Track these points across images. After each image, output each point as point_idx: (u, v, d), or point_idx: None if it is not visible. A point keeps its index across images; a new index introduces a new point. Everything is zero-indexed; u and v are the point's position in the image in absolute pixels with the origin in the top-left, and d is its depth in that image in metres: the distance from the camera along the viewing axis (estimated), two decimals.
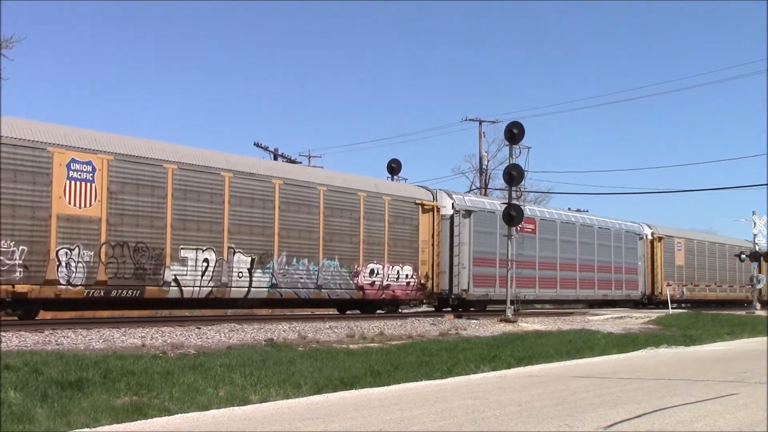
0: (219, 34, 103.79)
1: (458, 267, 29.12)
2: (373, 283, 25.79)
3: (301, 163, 46.05)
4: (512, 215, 24.67)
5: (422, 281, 27.59)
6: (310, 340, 15.73)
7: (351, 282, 25.00)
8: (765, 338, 20.63)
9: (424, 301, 29.20)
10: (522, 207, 26.62)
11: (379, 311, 26.82)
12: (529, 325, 22.91)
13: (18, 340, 13.35)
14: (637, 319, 27.95)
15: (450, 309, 30.30)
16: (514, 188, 25.93)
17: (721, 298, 48.79)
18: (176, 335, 15.24)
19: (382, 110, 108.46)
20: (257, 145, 47.68)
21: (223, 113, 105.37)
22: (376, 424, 7.38)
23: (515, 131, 25.35)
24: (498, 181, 50.03)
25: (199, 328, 16.54)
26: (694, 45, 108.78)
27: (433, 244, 28.08)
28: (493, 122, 50.77)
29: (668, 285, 40.94)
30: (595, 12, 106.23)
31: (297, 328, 17.86)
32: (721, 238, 52.93)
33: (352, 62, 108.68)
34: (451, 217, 29.16)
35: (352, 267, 25.03)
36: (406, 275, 27.06)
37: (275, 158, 46.26)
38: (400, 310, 28.30)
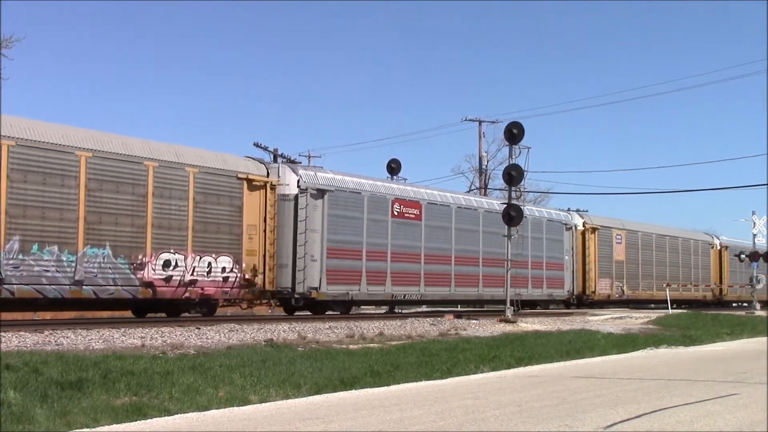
0: (219, 34, 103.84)
1: (305, 259, 23.59)
2: (169, 279, 20.24)
3: (300, 163, 45.93)
4: (512, 215, 24.67)
5: (248, 276, 22.23)
6: (310, 341, 15.73)
7: (133, 276, 19.47)
8: (765, 338, 20.64)
9: (256, 301, 23.80)
10: (395, 185, 23.83)
11: (186, 314, 21.64)
12: (528, 325, 22.92)
13: (18, 340, 13.35)
14: (636, 320, 27.98)
15: (294, 311, 25.58)
16: (513, 188, 25.93)
17: (675, 297, 42.10)
18: (176, 335, 15.25)
19: (382, 110, 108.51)
20: (257, 145, 47.53)
21: (223, 113, 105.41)
22: (375, 424, 7.38)
23: (515, 131, 25.35)
24: (498, 181, 49.99)
25: (199, 329, 16.54)
26: (694, 45, 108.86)
27: (265, 230, 22.72)
28: (493, 122, 50.78)
29: (668, 285, 40.12)
30: (595, 12, 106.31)
31: (297, 328, 17.86)
32: (676, 230, 47.10)
33: (352, 62, 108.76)
34: (296, 198, 23.64)
35: (134, 257, 19.56)
36: (223, 268, 21.66)
37: (275, 158, 46.21)
38: (237, 313, 24.26)
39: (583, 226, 37.44)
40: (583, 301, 37.36)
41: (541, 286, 33.99)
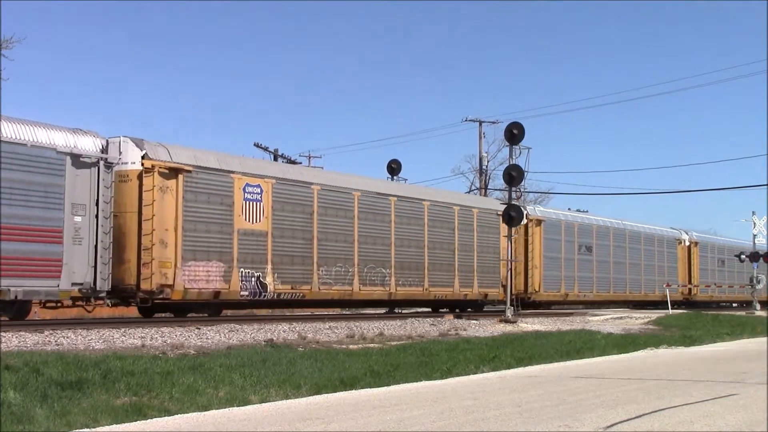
0: (219, 34, 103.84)
1: None
2: None
3: (300, 163, 45.98)
4: (512, 215, 24.67)
5: None
6: (310, 341, 15.73)
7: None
8: (765, 338, 20.64)
9: None
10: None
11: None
12: (528, 325, 22.92)
13: (18, 340, 13.34)
14: (637, 320, 27.99)
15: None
16: (514, 189, 25.94)
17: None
18: (176, 336, 15.24)
19: (382, 110, 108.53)
20: (257, 145, 47.67)
21: (223, 113, 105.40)
22: (375, 424, 7.38)
23: (515, 132, 25.37)
24: (498, 181, 50.04)
25: (199, 329, 16.54)
26: (694, 45, 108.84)
27: None
28: (493, 122, 50.80)
29: (668, 285, 39.69)
30: (596, 12, 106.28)
31: (297, 328, 17.86)
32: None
33: (352, 62, 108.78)
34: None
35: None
36: None
37: (275, 158, 46.25)
38: None
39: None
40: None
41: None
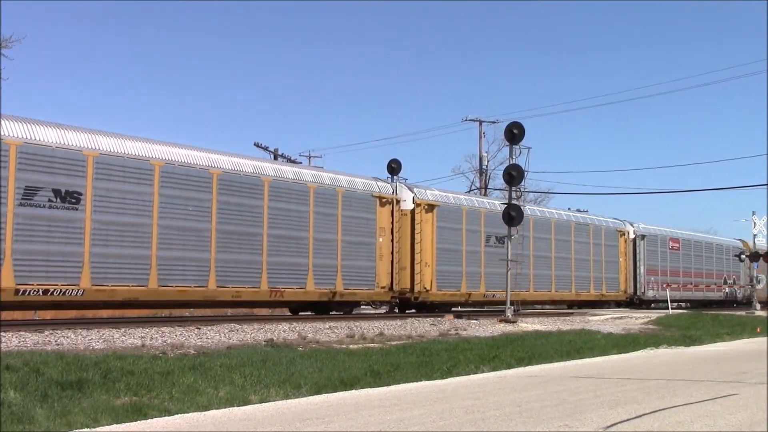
0: (219, 34, 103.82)
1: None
2: None
3: (300, 163, 45.95)
4: (512, 215, 24.66)
5: None
6: (310, 341, 15.73)
7: None
8: (765, 338, 20.64)
9: None
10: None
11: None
12: (529, 325, 22.90)
13: (18, 340, 13.35)
14: (637, 320, 27.97)
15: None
16: (514, 188, 25.92)
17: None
18: (176, 335, 15.24)
19: (382, 110, 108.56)
20: (257, 145, 47.72)
21: (223, 113, 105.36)
22: (376, 424, 7.38)
23: (515, 131, 25.35)
24: (498, 181, 50.00)
25: (199, 329, 16.54)
26: (694, 45, 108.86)
27: None
28: (494, 122, 50.81)
29: (668, 286, 39.51)
30: (596, 12, 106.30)
31: (297, 328, 17.86)
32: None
33: (353, 62, 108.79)
34: None
35: None
36: None
37: (275, 158, 46.26)
38: None
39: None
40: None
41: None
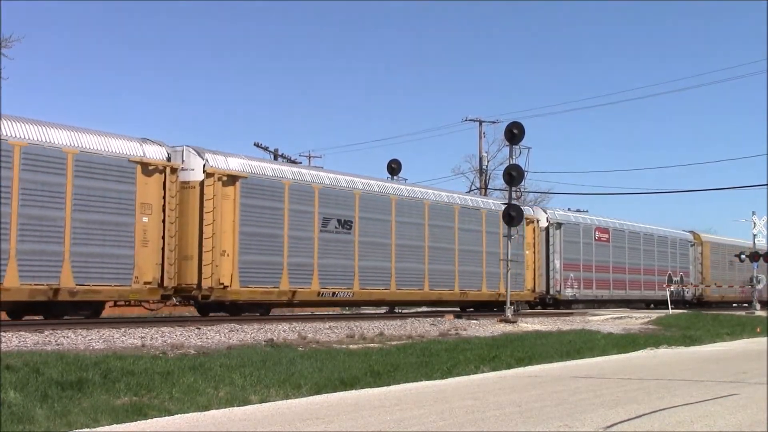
0: (219, 34, 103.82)
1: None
2: None
3: (301, 163, 46.00)
4: (512, 215, 24.68)
5: None
6: (310, 341, 15.73)
7: None
8: (765, 338, 20.64)
9: None
10: None
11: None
12: (528, 325, 22.90)
13: (18, 340, 13.34)
14: (636, 320, 27.97)
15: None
16: (514, 188, 25.93)
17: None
18: (176, 335, 15.24)
19: (382, 110, 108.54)
20: (257, 145, 47.71)
21: (223, 113, 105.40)
22: (376, 424, 7.38)
23: (515, 131, 25.37)
24: (498, 181, 49.99)
25: (199, 329, 16.54)
26: (694, 45, 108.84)
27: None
28: (493, 122, 50.79)
29: (667, 286, 39.08)
30: (596, 12, 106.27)
31: (297, 328, 17.86)
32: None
33: (353, 62, 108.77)
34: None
35: None
36: None
37: (275, 158, 46.26)
38: None
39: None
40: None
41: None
